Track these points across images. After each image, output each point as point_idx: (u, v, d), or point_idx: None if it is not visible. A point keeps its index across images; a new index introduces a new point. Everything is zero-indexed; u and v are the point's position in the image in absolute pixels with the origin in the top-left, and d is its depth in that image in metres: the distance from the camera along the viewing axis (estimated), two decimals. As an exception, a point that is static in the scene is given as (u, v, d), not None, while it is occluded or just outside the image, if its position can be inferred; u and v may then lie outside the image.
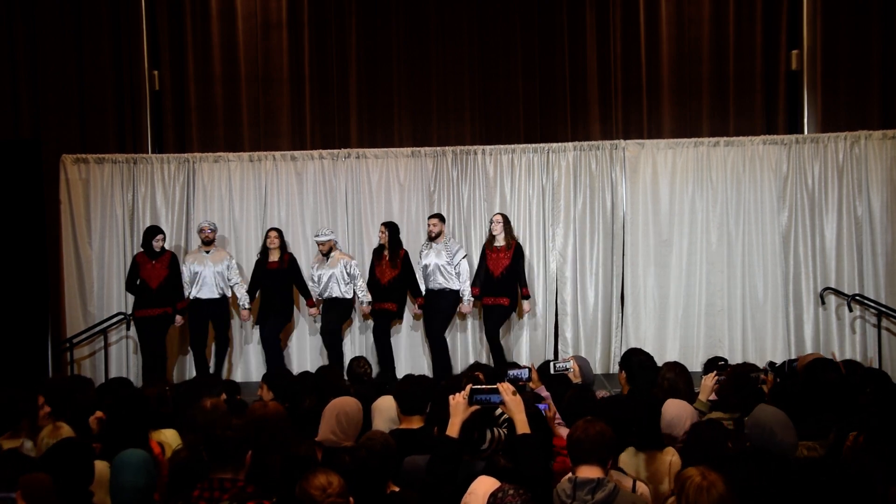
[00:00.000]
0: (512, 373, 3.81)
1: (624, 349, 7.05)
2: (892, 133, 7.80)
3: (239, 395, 4.92)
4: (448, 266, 7.31)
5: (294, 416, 4.11)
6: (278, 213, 8.00)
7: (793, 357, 5.92)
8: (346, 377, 5.46)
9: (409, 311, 7.75)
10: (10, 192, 7.11)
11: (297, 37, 8.62)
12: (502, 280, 7.29)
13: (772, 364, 5.48)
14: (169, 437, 3.93)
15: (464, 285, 7.35)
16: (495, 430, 3.45)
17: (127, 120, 8.52)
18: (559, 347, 7.90)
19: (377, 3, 8.59)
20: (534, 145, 8.03)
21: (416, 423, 3.67)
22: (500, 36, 8.56)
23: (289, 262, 7.44)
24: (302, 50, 8.62)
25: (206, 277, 7.32)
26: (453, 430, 3.06)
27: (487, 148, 8.02)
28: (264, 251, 7.46)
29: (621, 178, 7.92)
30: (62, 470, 2.99)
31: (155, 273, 7.20)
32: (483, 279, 7.39)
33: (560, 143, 8.01)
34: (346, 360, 7.36)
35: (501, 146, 8.04)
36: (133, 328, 7.46)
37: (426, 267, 7.38)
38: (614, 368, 7.60)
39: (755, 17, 8.42)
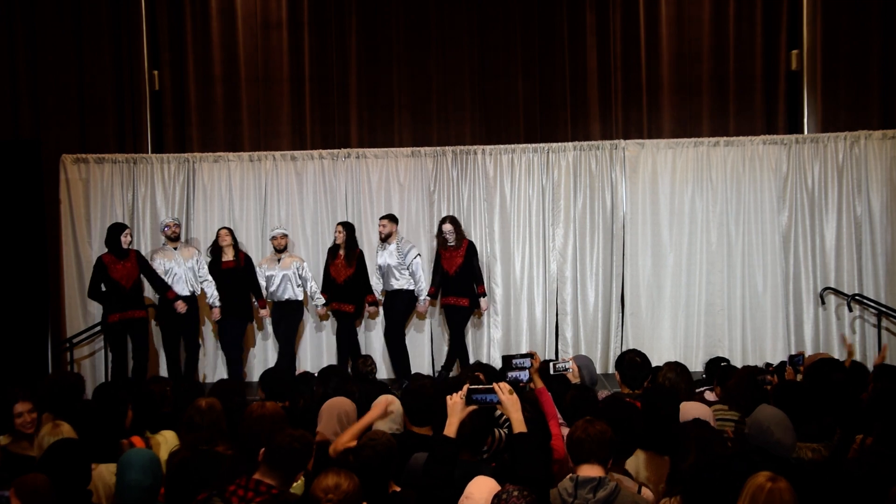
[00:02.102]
0: (511, 375, 3.80)
1: (624, 349, 7.06)
2: (892, 133, 7.81)
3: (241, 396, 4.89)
4: (400, 266, 7.33)
5: (291, 415, 4.10)
6: (278, 212, 8.00)
7: (793, 353, 5.90)
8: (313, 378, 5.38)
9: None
10: (10, 192, 7.11)
11: (297, 37, 8.61)
12: (458, 279, 7.32)
13: (768, 365, 5.48)
14: (168, 438, 3.93)
15: (418, 285, 7.37)
16: (496, 430, 3.45)
17: (127, 120, 8.51)
18: (559, 347, 7.91)
19: (377, 3, 8.59)
20: (534, 145, 8.03)
21: (426, 430, 3.65)
22: (500, 36, 8.55)
23: (245, 260, 7.35)
24: (302, 50, 8.62)
25: (178, 274, 7.10)
26: (451, 429, 3.08)
27: (487, 148, 8.03)
28: (216, 250, 7.33)
29: (621, 178, 7.92)
30: (59, 470, 2.99)
31: (126, 273, 6.85)
32: (440, 279, 7.42)
33: (560, 143, 8.02)
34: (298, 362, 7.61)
35: (501, 146, 8.05)
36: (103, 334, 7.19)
37: (380, 268, 7.43)
38: (614, 368, 7.59)
39: (755, 17, 8.42)
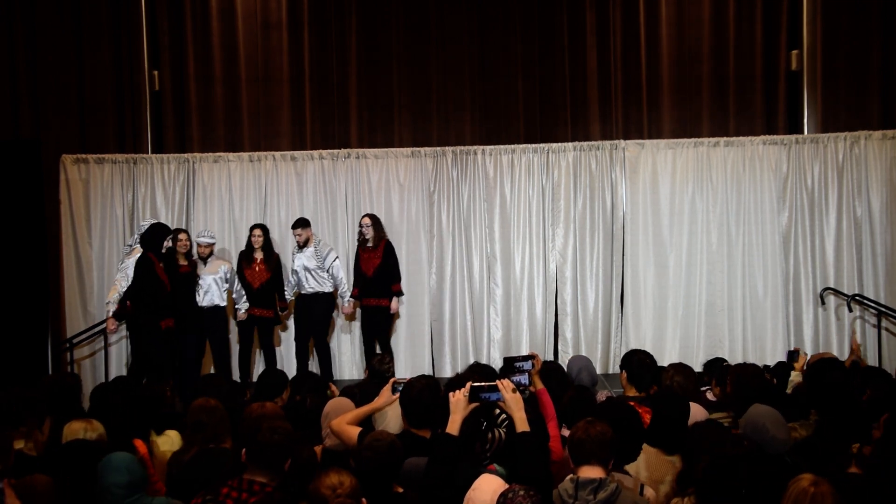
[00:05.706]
0: (514, 379, 3.79)
1: (624, 349, 7.09)
2: (892, 133, 7.81)
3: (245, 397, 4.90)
4: (319, 270, 7.22)
5: (297, 415, 4.10)
6: (278, 213, 8.00)
7: (791, 349, 5.94)
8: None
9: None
10: (10, 192, 7.11)
11: (297, 37, 8.61)
12: (376, 280, 7.23)
13: (766, 367, 5.50)
14: (173, 438, 3.94)
15: (341, 287, 7.31)
16: (495, 430, 3.45)
17: (127, 120, 8.50)
18: (559, 347, 7.91)
19: (377, 3, 8.59)
20: (534, 145, 8.03)
21: (424, 432, 3.64)
22: (500, 36, 8.55)
23: (196, 264, 7.06)
24: (302, 50, 8.62)
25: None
26: (453, 427, 3.07)
27: (487, 148, 8.03)
28: (172, 254, 6.85)
29: (621, 178, 7.92)
30: (65, 471, 2.99)
31: (164, 277, 6.61)
32: (360, 280, 7.33)
33: (560, 143, 8.02)
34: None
35: (501, 146, 8.05)
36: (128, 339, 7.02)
37: (296, 272, 7.29)
38: (614, 368, 7.62)
39: (755, 17, 8.41)
